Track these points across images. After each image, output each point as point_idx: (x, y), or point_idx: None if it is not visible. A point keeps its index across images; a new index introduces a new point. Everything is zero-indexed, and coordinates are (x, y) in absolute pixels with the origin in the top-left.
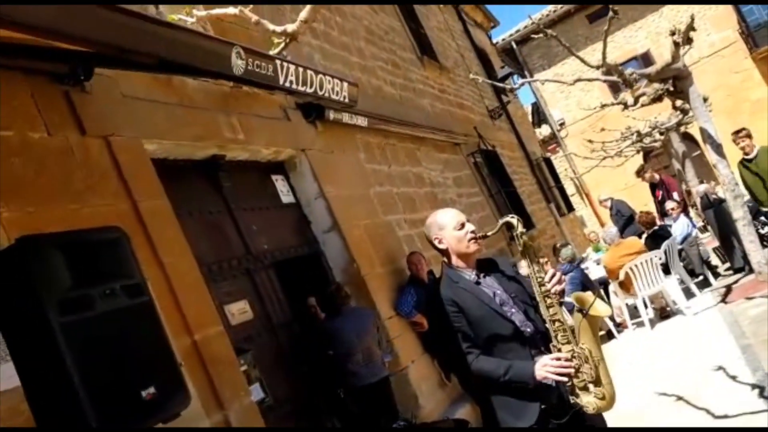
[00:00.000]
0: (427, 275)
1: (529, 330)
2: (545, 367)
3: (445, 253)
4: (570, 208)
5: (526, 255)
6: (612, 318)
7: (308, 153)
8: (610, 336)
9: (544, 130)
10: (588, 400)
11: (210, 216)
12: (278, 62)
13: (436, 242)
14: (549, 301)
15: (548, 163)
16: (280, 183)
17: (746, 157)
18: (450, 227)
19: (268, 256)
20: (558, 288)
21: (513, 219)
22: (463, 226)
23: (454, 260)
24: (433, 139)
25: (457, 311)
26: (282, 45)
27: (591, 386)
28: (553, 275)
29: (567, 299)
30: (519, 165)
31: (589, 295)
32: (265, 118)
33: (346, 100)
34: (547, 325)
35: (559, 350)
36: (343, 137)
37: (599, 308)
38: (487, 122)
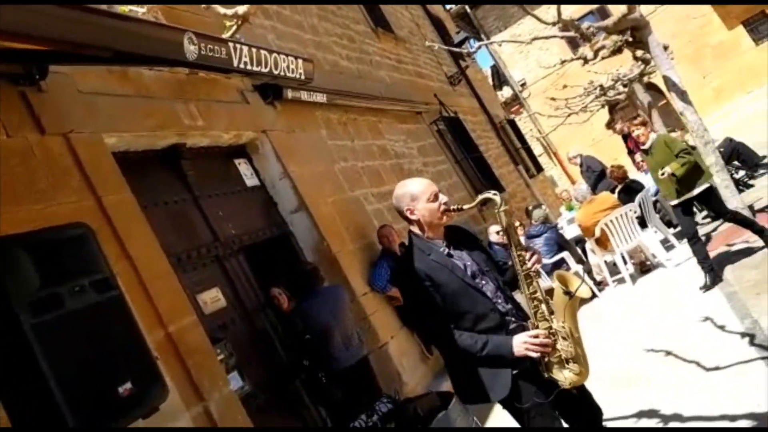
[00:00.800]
0: (399, 248)
1: (500, 301)
2: (524, 344)
3: (415, 223)
4: (539, 168)
5: (507, 234)
6: (592, 276)
7: (269, 134)
8: (591, 296)
9: (505, 92)
10: (565, 376)
11: (175, 205)
12: (231, 45)
13: (407, 213)
14: (528, 280)
15: (513, 125)
16: (243, 166)
17: (642, 147)
18: (423, 198)
19: (236, 241)
20: (537, 266)
21: (494, 196)
22: (436, 197)
23: (426, 232)
24: (394, 111)
25: (431, 285)
26: (234, 28)
27: (569, 363)
28: (533, 254)
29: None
30: (483, 129)
31: (572, 276)
32: (223, 103)
33: (302, 77)
34: (527, 303)
35: (537, 327)
36: (303, 115)
37: (582, 290)
38: (447, 89)
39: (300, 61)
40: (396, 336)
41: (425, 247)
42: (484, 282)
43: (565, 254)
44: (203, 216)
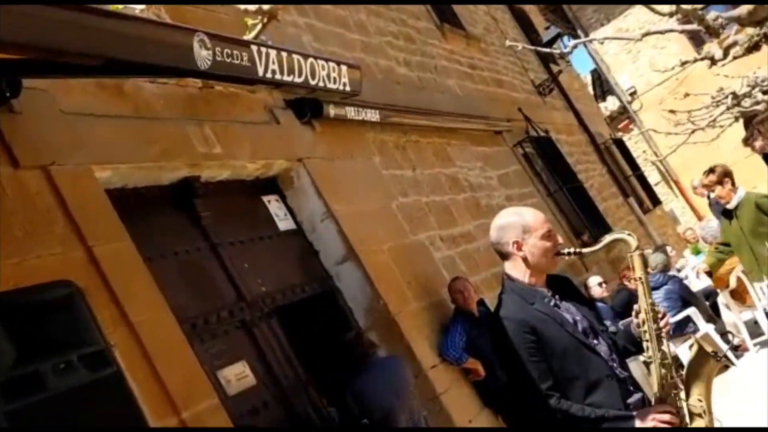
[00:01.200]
0: (478, 307)
1: (617, 365)
2: (652, 421)
3: (518, 263)
4: (655, 201)
5: (642, 283)
6: (726, 339)
7: (307, 163)
8: (725, 363)
9: (610, 104)
10: None
11: (188, 256)
12: (255, 48)
13: (512, 248)
14: (659, 341)
15: (620, 145)
16: (274, 205)
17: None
18: (538, 233)
19: (267, 301)
20: (666, 327)
21: (628, 236)
22: (551, 234)
23: (528, 275)
24: (466, 130)
25: (535, 341)
26: (259, 27)
27: None
28: (664, 314)
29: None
30: (583, 152)
31: (715, 340)
32: (247, 124)
33: (347, 89)
34: (652, 367)
35: (662, 399)
36: (350, 138)
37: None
38: (534, 101)
39: (344, 68)
40: (475, 420)
41: (527, 294)
42: (596, 342)
43: (692, 311)
44: (224, 269)
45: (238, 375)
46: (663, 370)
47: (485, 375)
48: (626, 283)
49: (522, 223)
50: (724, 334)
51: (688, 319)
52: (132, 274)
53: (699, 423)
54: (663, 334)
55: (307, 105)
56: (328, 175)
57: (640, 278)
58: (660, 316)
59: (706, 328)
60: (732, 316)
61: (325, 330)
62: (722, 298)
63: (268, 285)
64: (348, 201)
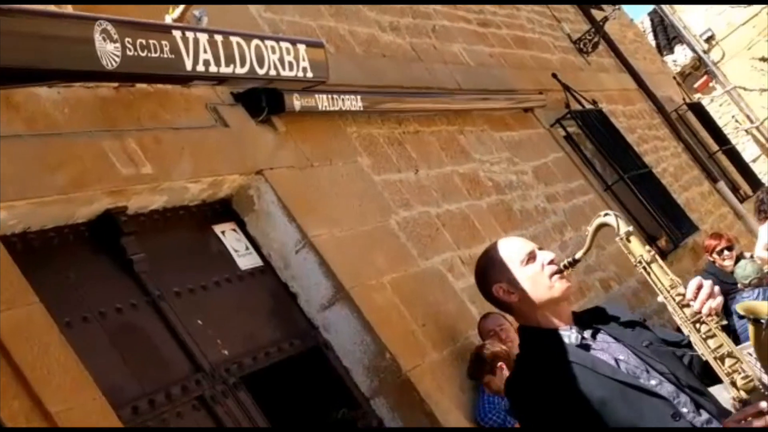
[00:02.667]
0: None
1: (687, 409)
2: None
3: (518, 310)
4: (756, 184)
5: (643, 266)
6: None
7: (270, 175)
8: None
9: (680, 57)
10: None
11: (120, 316)
12: (178, 34)
13: (500, 295)
14: (705, 328)
15: (700, 111)
16: (230, 237)
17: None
18: (515, 264)
19: (232, 368)
20: (713, 304)
21: (606, 217)
22: (533, 256)
23: (538, 316)
24: (484, 110)
25: (565, 405)
26: (183, 6)
27: None
28: (698, 287)
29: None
30: (648, 125)
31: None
32: (183, 130)
33: (308, 75)
34: (714, 366)
35: (742, 401)
36: (326, 136)
37: None
38: (574, 62)
39: (302, 48)
40: None
41: (543, 343)
42: (654, 381)
43: None
44: (171, 331)
45: None
46: (727, 363)
47: None
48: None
49: (491, 262)
50: None
51: None
52: (45, 348)
53: None
54: (704, 319)
55: (264, 97)
56: (300, 190)
57: (641, 261)
58: (690, 295)
59: None
60: None
61: (315, 402)
62: None
63: (231, 347)
64: (330, 222)
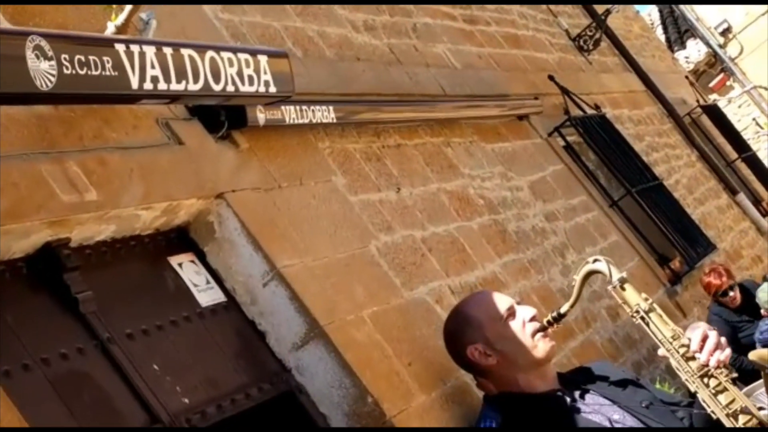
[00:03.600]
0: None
1: None
2: None
3: (496, 374)
4: None
5: (641, 316)
6: None
7: (231, 199)
8: None
9: (692, 53)
10: None
11: (65, 363)
12: (122, 48)
13: (475, 357)
14: (714, 383)
15: (716, 114)
16: (188, 269)
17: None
18: (492, 321)
19: (194, 419)
20: (721, 357)
21: (595, 263)
22: (512, 313)
23: (519, 380)
24: (473, 119)
25: None
26: (128, 9)
27: None
28: (703, 338)
29: None
30: (657, 132)
31: None
32: (132, 150)
33: (271, 90)
34: (727, 424)
35: None
36: (295, 153)
37: None
38: (573, 62)
39: (263, 60)
40: None
41: (527, 410)
42: None
43: None
44: (124, 378)
45: None
46: (741, 420)
47: None
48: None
49: (468, 322)
50: None
51: None
52: None
53: None
54: (712, 372)
55: (223, 111)
56: (267, 214)
57: (638, 311)
58: (695, 347)
59: None
60: None
61: None
62: None
63: (192, 394)
64: (302, 250)
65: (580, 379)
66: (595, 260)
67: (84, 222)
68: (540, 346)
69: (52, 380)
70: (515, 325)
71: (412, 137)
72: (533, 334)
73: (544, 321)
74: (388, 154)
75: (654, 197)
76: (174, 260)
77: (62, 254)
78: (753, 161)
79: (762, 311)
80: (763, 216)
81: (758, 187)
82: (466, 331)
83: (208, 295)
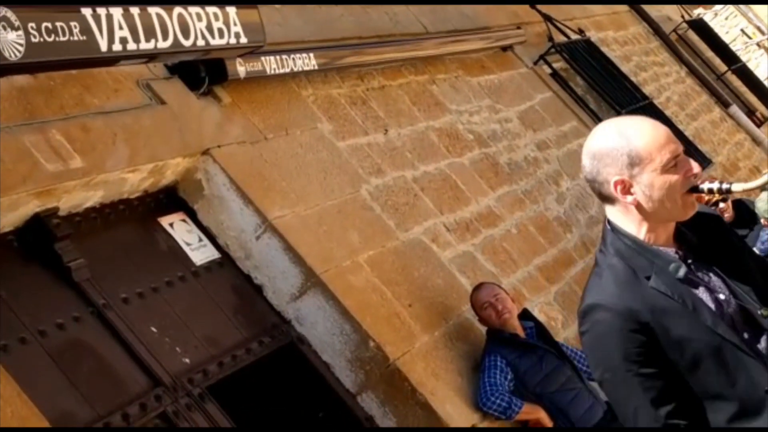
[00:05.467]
0: (521, 322)
1: None
2: None
3: (627, 211)
4: None
5: None
6: None
7: (218, 154)
8: None
9: None
10: None
11: (62, 334)
12: (89, 12)
13: (616, 191)
14: None
15: (702, 28)
16: (180, 228)
17: None
18: (655, 162)
19: (196, 378)
20: None
21: None
22: (678, 162)
23: (645, 228)
24: (456, 54)
25: (647, 343)
26: None
27: None
28: None
29: None
30: (644, 51)
31: None
32: (114, 114)
33: (242, 41)
34: None
35: None
36: (278, 103)
37: None
38: None
39: (232, 12)
40: None
41: (641, 261)
42: (747, 335)
43: None
44: (122, 343)
45: None
46: None
47: (553, 423)
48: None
49: (627, 151)
50: None
51: None
52: None
53: None
54: None
55: (202, 67)
56: (255, 167)
57: None
58: None
59: None
60: None
61: (294, 405)
62: None
63: (192, 354)
64: (293, 200)
65: (695, 238)
66: None
67: (71, 190)
68: (687, 208)
69: (50, 352)
70: (675, 176)
71: (396, 78)
72: (687, 193)
73: (706, 188)
74: (373, 97)
75: (645, 114)
76: (165, 221)
77: (51, 224)
78: (744, 72)
79: (762, 221)
80: (758, 126)
81: (751, 97)
82: (620, 160)
83: (201, 253)
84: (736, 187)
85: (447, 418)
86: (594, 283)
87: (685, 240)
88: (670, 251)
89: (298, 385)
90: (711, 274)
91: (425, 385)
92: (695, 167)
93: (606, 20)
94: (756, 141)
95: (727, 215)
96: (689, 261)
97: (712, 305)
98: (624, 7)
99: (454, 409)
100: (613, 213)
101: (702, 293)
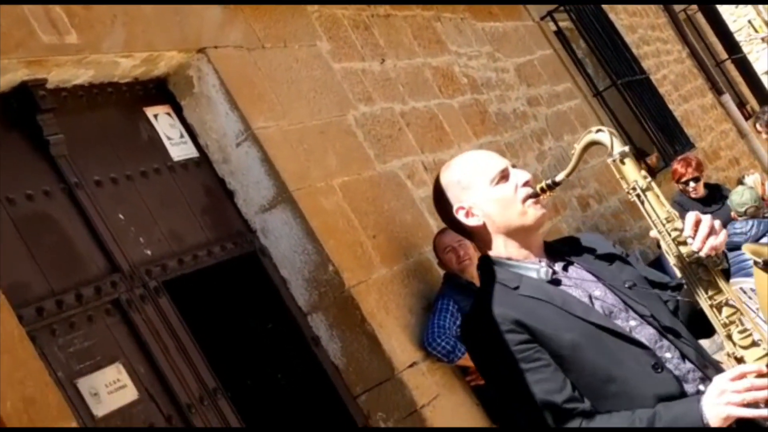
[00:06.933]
0: (479, 271)
1: (670, 354)
2: (723, 396)
3: (480, 236)
4: (766, 100)
5: (637, 193)
6: None
7: (213, 55)
8: None
9: None
10: None
11: (30, 204)
12: None
13: (461, 216)
14: (702, 271)
15: (711, 12)
16: (163, 121)
17: None
18: (483, 182)
19: (154, 271)
20: (715, 242)
21: (599, 134)
22: (506, 175)
23: (503, 246)
24: None
25: (529, 341)
26: None
27: None
28: (696, 222)
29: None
30: (651, 25)
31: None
32: None
33: None
34: (709, 316)
35: (740, 359)
36: (282, 14)
37: None
38: None
39: None
40: None
41: (509, 275)
42: (634, 323)
43: None
44: (87, 224)
45: (111, 384)
46: (724, 313)
47: None
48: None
49: (457, 179)
50: None
51: None
52: None
53: None
54: (704, 260)
55: None
56: (248, 74)
57: (635, 187)
58: (689, 232)
59: None
60: None
61: (245, 314)
62: None
63: (155, 246)
64: (279, 113)
65: (566, 249)
66: (599, 130)
67: (62, 64)
68: (530, 213)
69: (15, 220)
70: (507, 188)
71: (402, 9)
72: (524, 200)
73: (538, 187)
74: (377, 24)
75: (639, 91)
76: (150, 111)
77: (38, 95)
78: (743, 63)
79: (732, 213)
80: (746, 119)
81: (744, 89)
82: (456, 188)
83: (180, 150)
84: (559, 177)
85: (390, 352)
86: (477, 301)
87: (556, 252)
88: (533, 262)
89: (252, 295)
90: (585, 275)
91: (375, 317)
92: (525, 176)
93: None
94: (741, 133)
95: (695, 195)
96: (557, 266)
97: (585, 300)
98: None
99: (399, 344)
100: (477, 245)
101: (573, 290)
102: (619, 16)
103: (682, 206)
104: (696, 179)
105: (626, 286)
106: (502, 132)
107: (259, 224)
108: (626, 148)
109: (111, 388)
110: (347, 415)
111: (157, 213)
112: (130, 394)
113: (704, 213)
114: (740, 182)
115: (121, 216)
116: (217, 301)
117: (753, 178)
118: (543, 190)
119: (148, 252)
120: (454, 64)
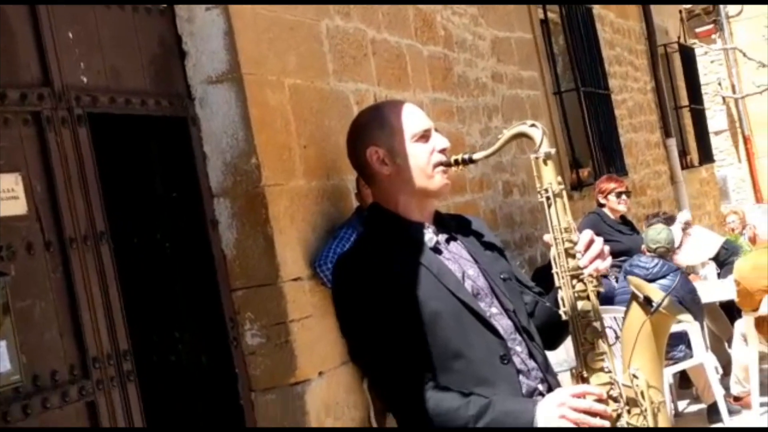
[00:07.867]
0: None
1: (520, 348)
2: (560, 408)
3: (381, 185)
4: (707, 156)
5: (546, 196)
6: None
7: None
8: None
9: None
10: None
11: None
12: None
13: (372, 160)
14: (580, 287)
15: (687, 57)
16: None
17: None
18: (405, 135)
19: (84, 99)
20: (600, 266)
21: (531, 128)
22: (427, 136)
23: (400, 201)
24: None
25: (397, 298)
26: None
27: None
28: (590, 241)
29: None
30: (629, 48)
31: (649, 286)
32: None
33: None
34: (572, 330)
35: (585, 379)
36: None
37: (674, 308)
38: None
39: None
40: (329, 373)
41: (397, 231)
42: (495, 310)
43: (688, 326)
44: (36, 31)
45: (4, 192)
46: (587, 332)
47: None
48: (609, 200)
49: (381, 124)
50: (727, 371)
51: (680, 338)
52: None
53: (635, 411)
54: (583, 278)
55: None
56: None
57: (547, 189)
58: (581, 248)
59: (703, 358)
60: (747, 354)
61: (155, 175)
62: (743, 325)
63: (93, 76)
64: None
65: (453, 225)
66: (533, 125)
67: None
68: (436, 179)
69: None
70: (424, 148)
71: None
72: (435, 165)
73: (452, 158)
74: None
75: (597, 104)
76: None
77: None
78: (699, 115)
79: (643, 246)
80: (682, 168)
81: (691, 140)
82: (376, 131)
83: None
84: (477, 155)
85: (280, 259)
86: (356, 248)
87: (443, 224)
88: (425, 225)
89: (168, 160)
90: (464, 252)
91: (279, 221)
92: (443, 143)
93: (615, 7)
94: (673, 179)
95: (624, 207)
96: (441, 237)
97: (458, 275)
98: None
99: (291, 255)
100: (374, 192)
101: (450, 264)
102: (604, 28)
103: (601, 218)
104: (627, 193)
105: (501, 277)
106: (458, 95)
107: (200, 93)
108: (552, 150)
109: (3, 195)
110: (218, 303)
111: (106, 45)
112: (19, 207)
113: (620, 233)
114: (669, 221)
115: (70, 35)
116: (132, 153)
117: (684, 216)
118: (456, 162)
119: (84, 79)
120: (436, 13)
